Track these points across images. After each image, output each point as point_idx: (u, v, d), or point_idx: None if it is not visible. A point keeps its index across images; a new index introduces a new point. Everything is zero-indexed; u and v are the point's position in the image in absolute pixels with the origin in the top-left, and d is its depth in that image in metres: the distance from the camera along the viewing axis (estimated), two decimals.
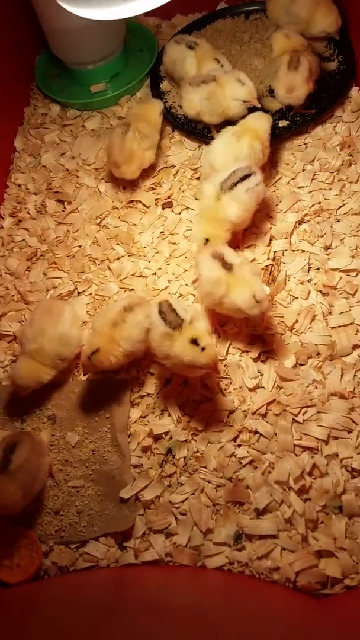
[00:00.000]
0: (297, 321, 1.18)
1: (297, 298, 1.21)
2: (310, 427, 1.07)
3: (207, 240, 1.19)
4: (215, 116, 1.40)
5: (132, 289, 1.30)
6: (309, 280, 1.22)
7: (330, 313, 1.18)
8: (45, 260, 1.38)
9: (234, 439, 1.09)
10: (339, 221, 1.28)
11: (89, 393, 1.18)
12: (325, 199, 1.31)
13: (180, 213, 1.38)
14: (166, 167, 1.45)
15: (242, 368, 1.15)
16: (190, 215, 1.36)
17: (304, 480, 1.02)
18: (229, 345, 1.18)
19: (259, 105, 1.37)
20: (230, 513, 1.03)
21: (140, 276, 1.32)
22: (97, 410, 1.16)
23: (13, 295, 1.35)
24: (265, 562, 0.99)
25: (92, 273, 1.34)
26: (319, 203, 1.31)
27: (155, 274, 1.31)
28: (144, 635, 0.80)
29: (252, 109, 1.37)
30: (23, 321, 1.30)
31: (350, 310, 1.17)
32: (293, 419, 1.08)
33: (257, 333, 1.18)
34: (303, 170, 1.37)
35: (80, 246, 1.39)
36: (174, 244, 1.34)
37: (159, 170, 1.45)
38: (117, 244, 1.37)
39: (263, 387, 1.13)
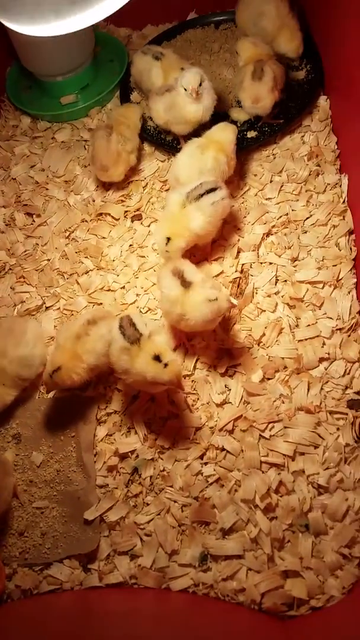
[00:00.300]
0: (264, 334, 1.15)
1: (264, 311, 1.17)
2: (276, 442, 1.04)
3: (168, 239, 1.15)
4: (181, 125, 1.36)
5: (101, 303, 1.26)
6: (276, 293, 1.19)
7: (297, 326, 1.15)
8: (14, 274, 1.34)
9: (201, 457, 1.05)
10: (305, 232, 1.24)
11: (55, 411, 1.14)
12: (293, 210, 1.28)
13: (149, 226, 1.35)
14: (136, 180, 1.41)
15: (210, 383, 1.12)
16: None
17: (270, 498, 0.99)
18: (197, 360, 1.14)
19: (194, 96, 1.29)
20: (196, 533, 0.99)
21: (108, 290, 1.28)
22: (63, 428, 1.12)
23: None
24: (231, 583, 0.95)
25: (60, 287, 1.30)
26: (287, 214, 1.27)
27: (123, 287, 1.27)
28: None
29: (217, 119, 1.32)
30: None
31: (316, 322, 1.14)
32: (260, 435, 1.05)
33: (224, 347, 1.14)
34: (271, 181, 1.33)
35: (48, 260, 1.34)
36: (143, 257, 1.31)
37: (128, 183, 1.41)
38: (86, 257, 1.33)
39: (230, 402, 1.09)
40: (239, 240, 1.27)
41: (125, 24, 1.72)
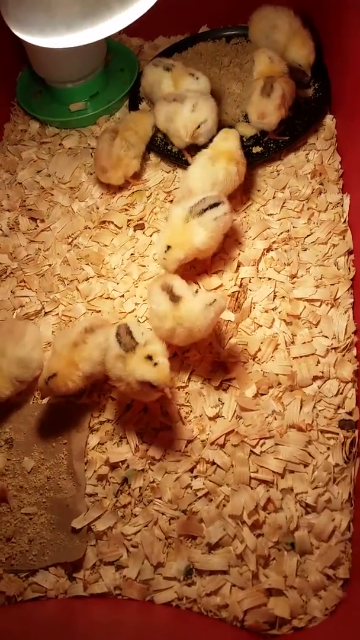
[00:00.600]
0: (260, 349, 1.14)
1: (261, 326, 1.17)
2: (267, 459, 1.03)
3: (168, 247, 1.14)
4: (177, 138, 1.37)
5: (99, 311, 1.25)
6: (274, 309, 1.18)
7: (292, 342, 1.14)
8: (15, 278, 1.34)
9: (191, 470, 1.04)
10: (305, 250, 1.24)
11: (49, 417, 1.13)
12: (294, 227, 1.27)
13: (151, 235, 1.34)
14: (140, 189, 1.41)
15: (203, 396, 1.11)
16: None
17: (258, 515, 0.98)
18: (191, 373, 1.14)
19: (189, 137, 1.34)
20: (182, 547, 0.98)
21: (108, 298, 1.27)
22: (55, 435, 1.11)
23: None
24: (214, 598, 0.94)
25: (60, 293, 1.30)
26: (288, 231, 1.27)
27: (123, 296, 1.27)
28: None
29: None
30: None
31: (312, 340, 1.13)
32: (251, 451, 1.04)
33: (219, 360, 1.14)
34: (274, 197, 1.33)
35: (50, 265, 1.34)
36: (144, 266, 1.30)
37: (132, 192, 1.41)
38: (87, 264, 1.32)
39: (223, 416, 1.08)
40: (239, 254, 1.26)
41: (138, 34, 1.72)
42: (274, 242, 1.26)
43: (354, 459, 1.02)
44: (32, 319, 1.27)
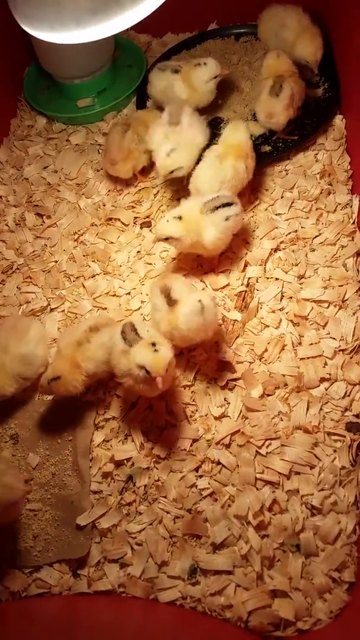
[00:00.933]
0: (266, 350, 1.13)
1: (268, 326, 1.16)
2: (273, 460, 1.02)
3: (166, 238, 1.14)
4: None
5: (105, 308, 1.25)
6: (281, 309, 1.18)
7: (299, 343, 1.13)
8: (21, 274, 1.33)
9: (196, 469, 1.04)
10: (314, 251, 1.23)
11: (54, 413, 1.13)
12: (302, 227, 1.27)
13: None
14: (147, 187, 1.40)
15: (209, 395, 1.11)
16: None
17: (263, 516, 0.98)
18: (197, 372, 1.13)
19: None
20: (186, 546, 0.98)
21: (114, 295, 1.27)
22: (60, 431, 1.11)
23: None
24: (219, 598, 0.94)
25: (66, 289, 1.29)
26: (296, 231, 1.26)
27: (129, 293, 1.26)
28: None
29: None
30: None
31: (319, 342, 1.12)
32: (256, 451, 1.04)
33: (226, 360, 1.13)
34: (282, 197, 1.32)
35: (56, 261, 1.34)
36: (150, 264, 1.30)
37: (139, 190, 1.40)
38: (93, 261, 1.32)
39: (228, 416, 1.08)
40: (246, 253, 1.26)
41: (146, 30, 1.71)
42: (281, 242, 1.26)
43: None
44: (37, 315, 1.26)
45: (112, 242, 1.34)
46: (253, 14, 1.53)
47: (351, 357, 1.10)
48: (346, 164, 1.33)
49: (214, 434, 1.06)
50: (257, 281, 1.22)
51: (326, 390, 1.08)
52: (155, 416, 1.09)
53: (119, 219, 1.37)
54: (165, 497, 1.02)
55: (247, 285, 1.22)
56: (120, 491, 1.04)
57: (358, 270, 1.19)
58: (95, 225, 1.37)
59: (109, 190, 1.42)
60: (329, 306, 1.16)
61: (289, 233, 1.26)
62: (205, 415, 1.09)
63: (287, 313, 1.17)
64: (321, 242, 1.24)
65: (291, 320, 1.16)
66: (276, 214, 1.30)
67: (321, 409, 1.06)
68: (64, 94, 1.59)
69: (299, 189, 1.32)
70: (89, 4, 0.97)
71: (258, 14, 1.50)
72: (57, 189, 1.44)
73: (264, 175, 1.36)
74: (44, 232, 1.38)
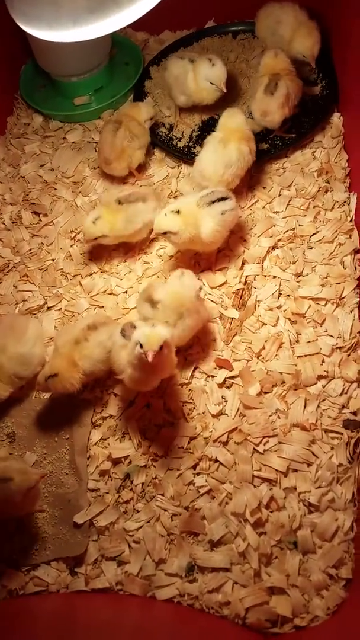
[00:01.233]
0: (264, 348, 1.14)
1: (265, 324, 1.17)
2: (270, 457, 1.03)
3: (165, 232, 1.15)
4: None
5: (102, 306, 1.25)
6: (279, 307, 1.19)
7: (297, 341, 1.14)
8: (17, 273, 1.34)
9: (194, 467, 1.05)
10: (311, 248, 1.24)
11: (51, 411, 1.14)
12: (300, 225, 1.27)
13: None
14: (145, 185, 1.41)
15: (207, 393, 1.11)
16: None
17: (261, 513, 0.98)
18: (194, 369, 1.14)
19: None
20: (184, 543, 0.99)
21: (111, 294, 1.28)
22: (58, 430, 1.11)
23: None
24: (216, 596, 0.95)
25: (63, 288, 1.30)
26: (293, 229, 1.27)
27: (126, 292, 1.27)
28: None
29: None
30: None
31: (317, 339, 1.13)
32: (254, 449, 1.04)
33: (223, 358, 1.14)
34: (279, 195, 1.33)
35: (53, 260, 1.34)
36: (147, 263, 1.31)
37: (139, 187, 1.41)
38: (91, 259, 1.33)
39: (226, 414, 1.09)
40: (244, 251, 1.27)
41: (143, 28, 1.72)
42: (279, 240, 1.26)
43: (358, 459, 1.02)
44: (34, 314, 1.27)
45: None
46: (250, 11, 1.53)
47: (348, 355, 1.11)
48: (344, 161, 1.34)
49: (211, 431, 1.07)
50: (254, 279, 1.23)
51: (323, 387, 1.08)
52: (153, 414, 1.10)
53: None
54: (162, 494, 1.03)
55: (245, 283, 1.23)
56: (117, 489, 1.04)
57: (355, 268, 1.20)
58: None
59: (106, 188, 1.43)
60: (326, 304, 1.17)
61: (287, 231, 1.27)
62: (203, 413, 1.10)
63: (284, 311, 1.18)
64: (319, 240, 1.25)
65: (289, 318, 1.17)
66: (274, 212, 1.31)
67: (318, 406, 1.07)
68: (61, 92, 1.60)
69: (296, 187, 1.33)
70: (86, 2, 0.98)
71: (255, 12, 1.50)
72: (54, 187, 1.45)
73: (261, 172, 1.37)
74: (41, 230, 1.39)
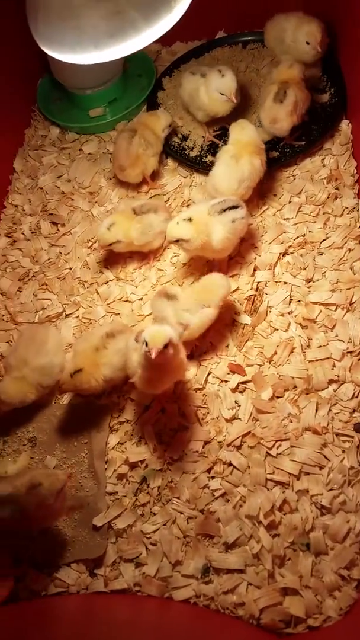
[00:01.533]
0: (275, 353, 1.14)
1: (277, 330, 1.17)
2: (283, 461, 1.03)
3: (177, 240, 1.16)
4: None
5: (118, 314, 1.26)
6: (290, 313, 1.18)
7: (308, 346, 1.14)
8: (37, 281, 1.35)
9: (208, 470, 1.05)
10: (321, 254, 1.24)
11: (70, 417, 1.15)
12: (310, 231, 1.27)
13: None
14: (158, 194, 1.42)
15: (220, 398, 1.12)
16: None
17: (274, 516, 0.99)
18: (208, 375, 1.15)
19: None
20: (200, 546, 0.99)
21: (126, 301, 1.28)
22: (77, 434, 1.13)
23: (3, 315, 1.32)
24: (231, 597, 0.95)
25: (80, 296, 1.31)
26: (303, 235, 1.27)
27: (141, 299, 1.28)
28: None
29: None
30: (11, 342, 1.27)
31: (327, 344, 1.13)
32: (267, 452, 1.05)
33: (236, 363, 1.14)
34: (289, 202, 1.32)
35: (70, 268, 1.36)
36: (162, 270, 1.31)
37: (150, 197, 1.42)
38: (107, 268, 1.34)
39: (239, 418, 1.09)
40: (255, 258, 1.27)
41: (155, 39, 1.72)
42: (289, 247, 1.26)
43: None
44: (53, 321, 1.28)
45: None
46: (259, 21, 1.53)
47: (359, 359, 1.10)
48: (352, 168, 1.33)
49: (225, 435, 1.08)
50: (266, 285, 1.23)
51: (335, 392, 1.08)
52: (168, 419, 1.11)
53: None
54: (178, 498, 1.04)
55: (257, 289, 1.23)
56: (134, 492, 1.05)
57: None
58: None
59: (121, 198, 1.44)
60: (336, 309, 1.17)
61: (297, 237, 1.27)
62: (217, 418, 1.10)
63: (295, 316, 1.18)
64: (329, 246, 1.24)
65: (300, 324, 1.16)
66: (284, 219, 1.31)
67: (330, 410, 1.07)
68: (77, 104, 1.61)
69: (306, 194, 1.33)
70: (106, 27, 0.99)
71: (264, 21, 1.50)
72: (71, 198, 1.46)
73: (271, 180, 1.37)
74: (59, 240, 1.40)
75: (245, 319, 1.19)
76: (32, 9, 1.06)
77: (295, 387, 1.10)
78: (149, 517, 1.03)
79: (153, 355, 0.90)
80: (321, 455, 1.03)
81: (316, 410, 1.07)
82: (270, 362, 1.14)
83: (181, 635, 0.89)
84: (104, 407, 1.14)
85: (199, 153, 1.45)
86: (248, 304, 1.21)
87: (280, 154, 1.38)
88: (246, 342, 1.17)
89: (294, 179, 1.36)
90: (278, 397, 1.10)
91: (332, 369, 1.10)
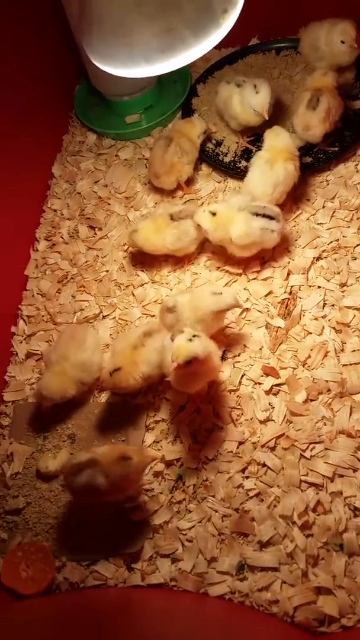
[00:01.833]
0: (309, 356, 1.15)
1: (310, 333, 1.17)
2: (316, 463, 1.04)
3: (213, 213, 1.20)
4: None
5: (153, 315, 1.28)
6: (324, 317, 1.19)
7: (342, 350, 1.14)
8: (75, 283, 1.38)
9: (243, 470, 1.06)
10: (355, 259, 1.24)
11: (107, 415, 1.17)
12: (344, 236, 1.27)
13: (202, 244, 1.35)
14: (192, 199, 1.43)
15: (254, 400, 1.13)
16: (212, 247, 1.33)
17: (308, 516, 0.99)
18: (242, 377, 1.15)
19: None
20: (234, 543, 1.00)
21: (161, 303, 1.30)
22: (114, 432, 1.15)
23: (43, 316, 1.35)
24: (265, 594, 0.96)
25: (117, 298, 1.33)
26: (337, 240, 1.27)
27: None
28: None
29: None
30: (51, 341, 1.30)
31: None
32: (301, 454, 1.05)
33: (270, 366, 1.15)
34: (323, 207, 1.32)
35: (107, 271, 1.38)
36: (196, 273, 1.32)
37: (185, 202, 1.43)
38: (142, 270, 1.36)
39: (273, 420, 1.10)
40: (289, 262, 1.27)
41: None
42: (323, 251, 1.26)
43: None
44: (91, 322, 1.31)
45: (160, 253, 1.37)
46: (293, 27, 1.53)
47: None
48: None
49: (259, 437, 1.08)
50: (299, 289, 1.23)
51: None
52: (203, 419, 1.12)
53: None
54: (213, 496, 1.05)
55: (290, 293, 1.23)
56: (170, 490, 1.07)
57: None
58: None
59: (156, 203, 1.46)
60: None
61: (331, 242, 1.27)
62: (251, 419, 1.11)
63: (329, 320, 1.18)
64: None
65: (334, 328, 1.17)
66: (318, 224, 1.31)
67: None
68: (113, 111, 1.63)
69: (340, 199, 1.33)
70: (157, 44, 1.01)
71: (297, 28, 1.50)
72: (108, 202, 1.48)
73: (305, 185, 1.37)
74: (96, 243, 1.42)
75: (279, 322, 1.19)
76: (85, 25, 1.08)
77: (329, 390, 1.10)
78: (184, 514, 1.05)
79: (171, 369, 0.93)
80: (355, 458, 1.03)
81: (350, 414, 1.07)
82: (304, 366, 1.14)
83: (218, 628, 0.90)
84: (140, 406, 1.16)
85: (232, 158, 1.46)
86: (282, 307, 1.22)
87: (314, 159, 1.38)
88: (280, 345, 1.18)
89: (328, 184, 1.36)
90: (312, 400, 1.10)
91: None
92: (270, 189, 1.23)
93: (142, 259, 1.37)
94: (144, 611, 0.96)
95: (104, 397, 1.20)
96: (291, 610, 0.93)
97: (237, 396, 1.14)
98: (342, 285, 1.21)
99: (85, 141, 1.63)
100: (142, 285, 1.34)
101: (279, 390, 1.13)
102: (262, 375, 1.15)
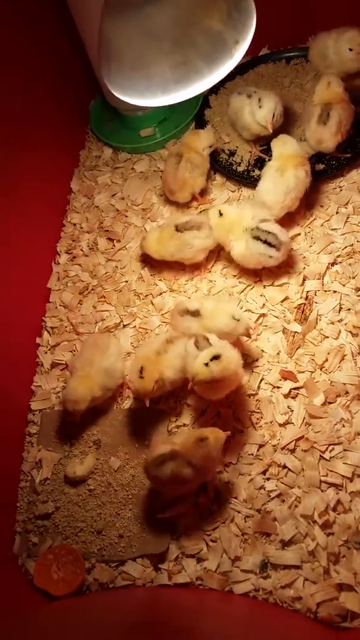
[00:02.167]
0: (327, 360, 1.19)
1: (327, 337, 1.22)
2: (336, 464, 1.08)
3: (221, 213, 1.28)
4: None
5: None
6: (340, 321, 1.23)
7: (359, 353, 1.19)
8: (95, 294, 1.45)
9: (264, 472, 1.11)
10: None
11: (131, 421, 1.23)
12: (358, 241, 1.32)
13: (218, 252, 1.41)
14: (207, 209, 1.49)
15: (273, 403, 1.18)
16: (228, 255, 1.38)
17: (328, 515, 1.04)
18: (261, 381, 1.21)
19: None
20: (257, 543, 1.05)
21: (174, 307, 1.35)
22: (138, 437, 1.21)
23: (66, 327, 1.41)
24: (289, 591, 1.01)
25: (136, 307, 1.39)
26: (352, 245, 1.31)
27: None
28: None
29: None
30: (74, 351, 1.36)
31: None
32: (320, 456, 1.10)
33: (288, 370, 1.20)
34: (337, 212, 1.37)
35: (126, 281, 1.44)
36: (212, 281, 1.38)
37: (200, 212, 1.49)
38: (160, 280, 1.42)
39: (292, 423, 1.15)
40: (304, 268, 1.32)
41: None
42: (338, 256, 1.31)
43: None
44: (112, 332, 1.37)
45: (176, 262, 1.43)
46: (302, 36, 1.59)
47: None
48: None
49: (279, 439, 1.13)
50: (315, 294, 1.28)
51: None
52: (223, 423, 1.17)
53: None
54: (236, 498, 1.10)
55: (306, 298, 1.28)
56: (194, 492, 1.12)
57: None
58: None
59: (172, 214, 1.52)
60: None
61: (345, 247, 1.32)
62: (270, 422, 1.16)
63: (345, 324, 1.22)
64: None
65: (350, 331, 1.21)
66: (332, 229, 1.36)
67: None
68: (127, 125, 1.70)
69: (353, 205, 1.37)
70: (173, 75, 1.09)
71: (307, 37, 1.55)
72: (125, 215, 1.55)
73: (318, 192, 1.42)
74: (115, 255, 1.49)
75: (296, 327, 1.24)
76: (104, 58, 1.16)
77: (347, 393, 1.15)
78: (208, 515, 1.10)
79: (189, 387, 1.03)
80: None
81: None
82: (321, 369, 1.19)
83: (244, 624, 0.95)
84: (162, 412, 1.22)
85: (246, 168, 1.52)
86: (298, 312, 1.27)
87: (326, 166, 1.43)
88: (297, 349, 1.22)
89: (341, 190, 1.41)
90: (330, 403, 1.15)
91: None
92: (282, 196, 1.29)
93: (160, 269, 1.43)
94: (172, 609, 1.02)
95: (126, 404, 1.26)
96: (314, 606, 0.98)
97: (257, 400, 1.19)
98: (358, 289, 1.26)
99: (102, 155, 1.70)
100: (161, 294, 1.40)
101: (298, 393, 1.18)
102: (280, 379, 1.20)
